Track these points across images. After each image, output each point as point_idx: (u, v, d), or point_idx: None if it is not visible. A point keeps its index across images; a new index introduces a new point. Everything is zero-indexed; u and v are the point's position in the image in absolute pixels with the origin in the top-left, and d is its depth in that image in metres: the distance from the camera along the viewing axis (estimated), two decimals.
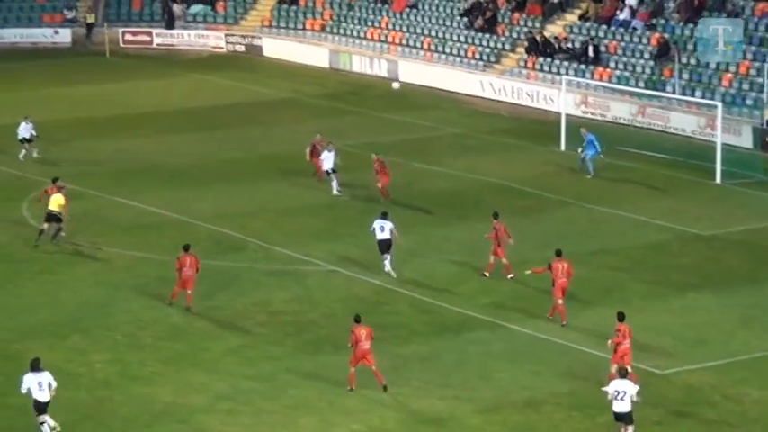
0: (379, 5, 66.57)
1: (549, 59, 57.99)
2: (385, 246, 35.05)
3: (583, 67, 56.69)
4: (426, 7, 65.02)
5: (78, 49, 69.76)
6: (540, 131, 51.36)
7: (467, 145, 50.03)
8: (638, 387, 25.10)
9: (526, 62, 58.82)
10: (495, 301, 33.25)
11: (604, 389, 25.41)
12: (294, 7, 69.33)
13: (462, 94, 58.83)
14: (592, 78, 55.75)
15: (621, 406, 24.92)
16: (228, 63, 66.29)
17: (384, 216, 35.62)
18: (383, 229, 35.14)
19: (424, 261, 36.29)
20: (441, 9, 64.37)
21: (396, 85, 42.32)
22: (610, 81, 55.19)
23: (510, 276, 34.47)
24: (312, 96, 58.59)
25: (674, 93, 52.63)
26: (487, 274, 34.74)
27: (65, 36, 70.72)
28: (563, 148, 48.75)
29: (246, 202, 41.84)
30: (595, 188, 43.92)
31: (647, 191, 43.89)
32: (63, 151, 47.98)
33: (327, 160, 42.59)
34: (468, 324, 31.68)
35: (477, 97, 58.16)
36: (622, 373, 25.26)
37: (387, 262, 34.95)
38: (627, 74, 55.38)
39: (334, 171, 42.41)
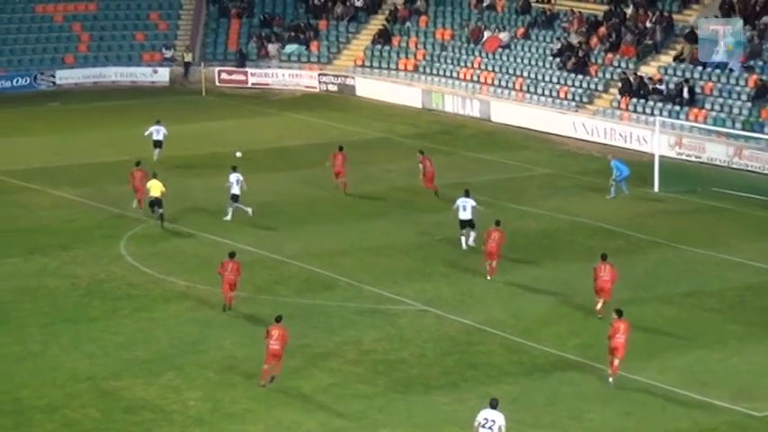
0: (472, 46, 66.74)
1: (642, 100, 57.63)
2: (467, 224, 39.71)
3: (677, 108, 56.22)
4: (519, 48, 65.06)
5: (176, 87, 70.88)
6: (633, 172, 50.92)
7: (558, 185, 49.82)
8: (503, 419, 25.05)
9: (619, 103, 58.51)
10: (587, 341, 32.97)
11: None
12: (387, 47, 69.76)
13: (554, 134, 58.66)
14: (687, 119, 55.24)
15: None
16: (321, 102, 66.85)
17: (467, 194, 40.27)
18: (465, 209, 39.76)
19: (515, 301, 36.16)
20: (533, 49, 64.34)
21: (238, 154, 46.14)
22: (705, 122, 54.66)
23: (489, 278, 37.55)
24: (404, 136, 58.81)
25: None
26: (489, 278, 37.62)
27: (163, 75, 71.92)
28: (656, 189, 48.36)
29: (337, 240, 42.03)
30: (690, 229, 43.46)
31: (743, 232, 43.30)
32: None
33: (235, 184, 43.76)
34: (559, 364, 31.46)
35: (569, 138, 57.96)
36: (493, 404, 25.30)
37: (467, 239, 39.58)
38: (723, 115, 54.78)
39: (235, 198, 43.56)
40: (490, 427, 24.88)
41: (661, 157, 49.62)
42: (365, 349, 32.55)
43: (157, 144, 52.04)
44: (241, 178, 43.96)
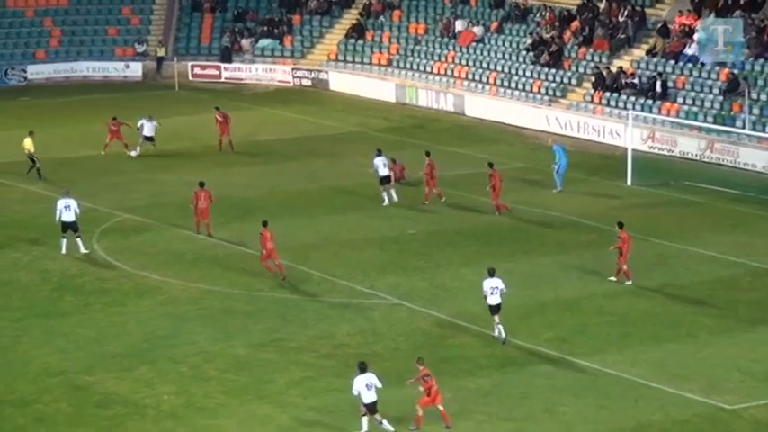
0: (446, 40, 66.75)
1: (615, 94, 57.76)
2: (386, 180, 44.71)
3: (650, 102, 56.37)
4: (492, 42, 65.10)
5: (149, 82, 70.62)
6: (605, 166, 51.18)
7: (531, 179, 49.88)
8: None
9: (592, 97, 58.64)
10: (560, 335, 33.07)
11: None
12: (360, 41, 69.69)
13: (527, 128, 58.76)
14: (659, 113, 55.39)
15: (494, 300, 31.91)
16: (295, 97, 66.74)
17: (379, 153, 44.92)
18: (385, 165, 44.51)
19: None
20: (506, 44, 64.39)
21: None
22: (677, 116, 54.82)
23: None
24: (378, 130, 58.78)
25: (743, 128, 52.14)
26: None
27: (136, 69, 71.61)
28: (629, 182, 48.51)
29: (311, 234, 42.00)
30: (662, 223, 43.61)
31: (716, 226, 43.47)
32: (131, 183, 48.56)
33: (67, 211, 39.00)
34: (533, 358, 31.53)
35: (543, 131, 58.05)
36: (491, 272, 32.11)
37: (388, 194, 44.39)
38: (695, 109, 54.94)
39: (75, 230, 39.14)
40: (495, 293, 31.80)
41: (634, 150, 49.74)
42: (338, 343, 32.55)
43: (147, 139, 52.66)
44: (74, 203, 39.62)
